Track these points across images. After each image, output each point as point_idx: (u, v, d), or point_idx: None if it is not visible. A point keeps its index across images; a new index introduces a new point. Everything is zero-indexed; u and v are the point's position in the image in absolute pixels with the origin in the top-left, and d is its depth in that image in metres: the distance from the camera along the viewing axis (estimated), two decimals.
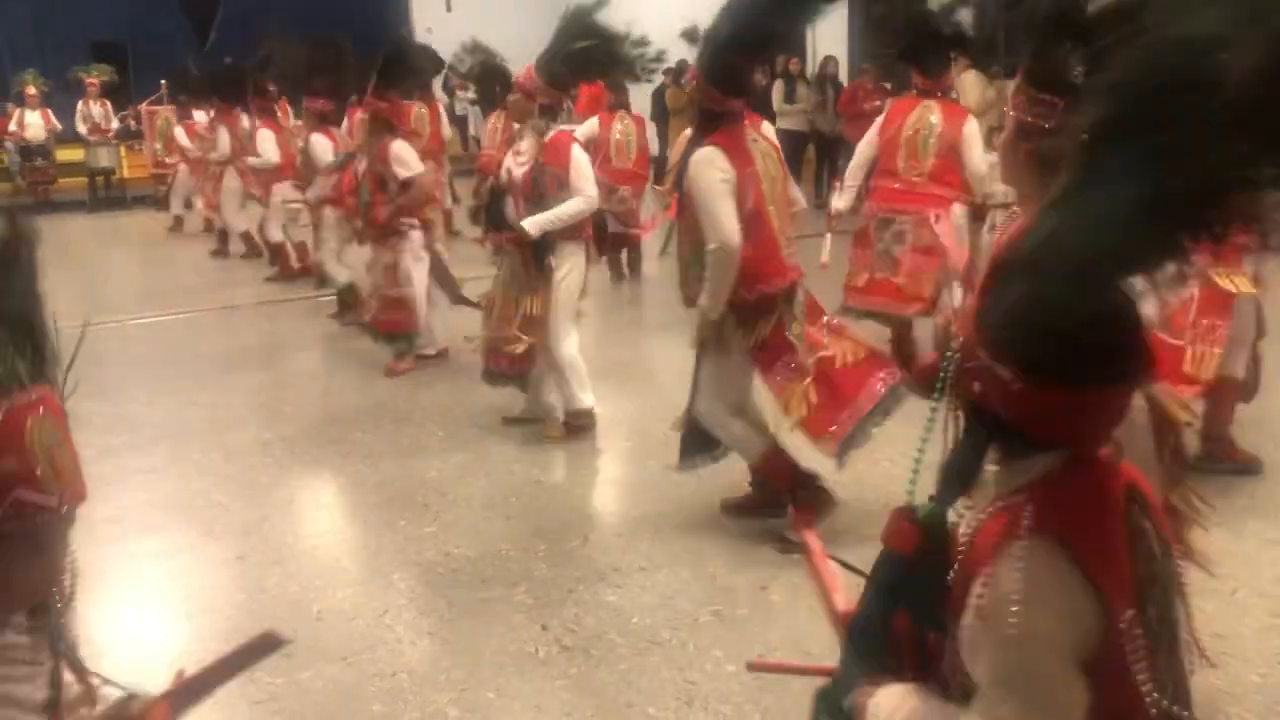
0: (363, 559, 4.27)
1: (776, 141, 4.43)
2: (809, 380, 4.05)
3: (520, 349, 5.26)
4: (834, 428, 4.07)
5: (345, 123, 9.34)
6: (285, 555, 4.34)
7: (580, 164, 5.18)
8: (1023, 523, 1.40)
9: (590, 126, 8.89)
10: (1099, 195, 1.28)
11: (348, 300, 8.11)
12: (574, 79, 5.44)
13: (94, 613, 3.97)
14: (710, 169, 3.90)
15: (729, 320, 4.02)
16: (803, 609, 3.73)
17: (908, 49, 6.15)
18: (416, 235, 6.68)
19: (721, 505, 4.45)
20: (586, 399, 5.46)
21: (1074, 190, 1.32)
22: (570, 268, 5.29)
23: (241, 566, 4.24)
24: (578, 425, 5.48)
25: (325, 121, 8.21)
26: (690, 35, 4.53)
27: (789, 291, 4.09)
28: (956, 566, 1.49)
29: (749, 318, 4.02)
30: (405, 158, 6.52)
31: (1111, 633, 1.39)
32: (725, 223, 3.88)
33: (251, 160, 9.87)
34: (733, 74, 3.98)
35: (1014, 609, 1.37)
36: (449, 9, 20.94)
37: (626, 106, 9.27)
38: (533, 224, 5.10)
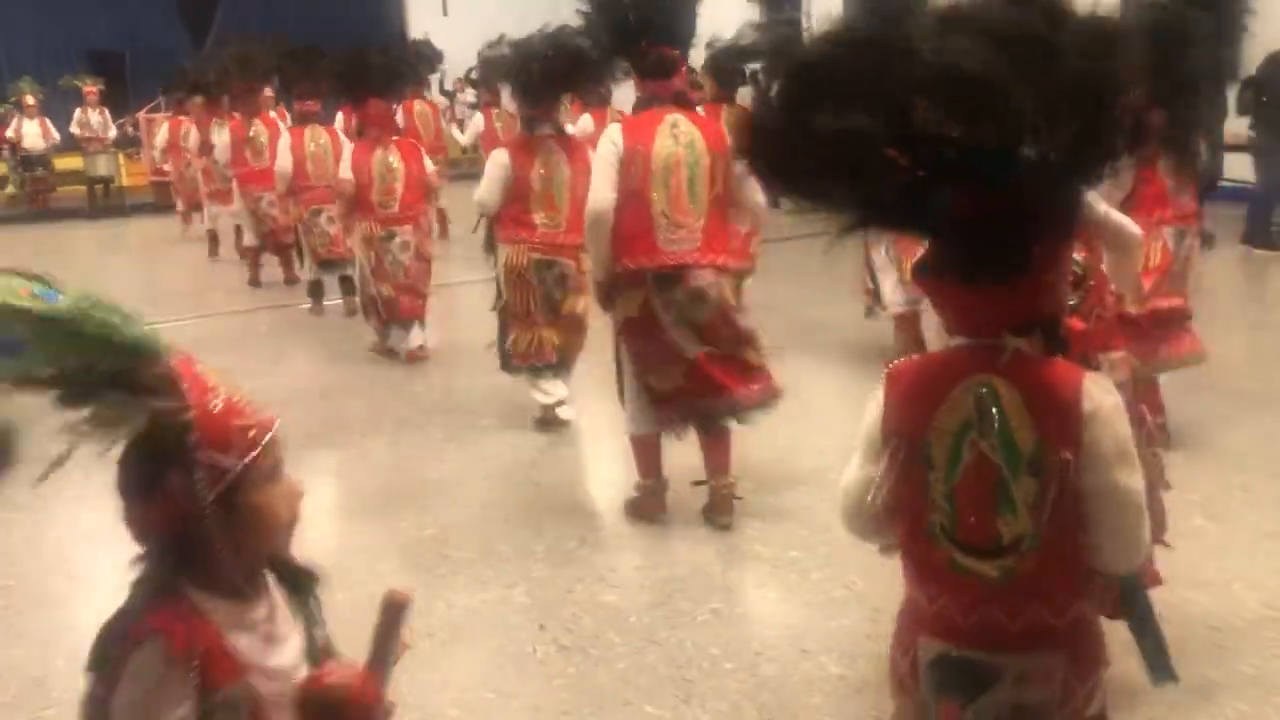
0: (362, 561, 4.28)
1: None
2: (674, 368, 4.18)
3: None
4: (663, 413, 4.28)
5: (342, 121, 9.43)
6: None
7: (488, 166, 5.57)
8: None
9: (584, 124, 8.98)
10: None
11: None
12: (547, 93, 5.57)
13: (94, 619, 3.99)
14: (605, 141, 4.22)
15: (617, 289, 4.24)
16: (800, 606, 3.75)
17: None
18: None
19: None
20: (546, 397, 5.65)
21: None
22: None
23: None
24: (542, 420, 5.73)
25: (311, 121, 8.30)
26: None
27: (663, 275, 4.13)
28: None
29: (619, 290, 4.22)
30: (345, 161, 7.05)
31: None
32: (599, 188, 4.16)
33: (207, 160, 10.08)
34: (645, 58, 4.28)
35: None
36: (445, 12, 20.99)
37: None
38: None
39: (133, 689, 1.45)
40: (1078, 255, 2.71)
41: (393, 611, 1.72)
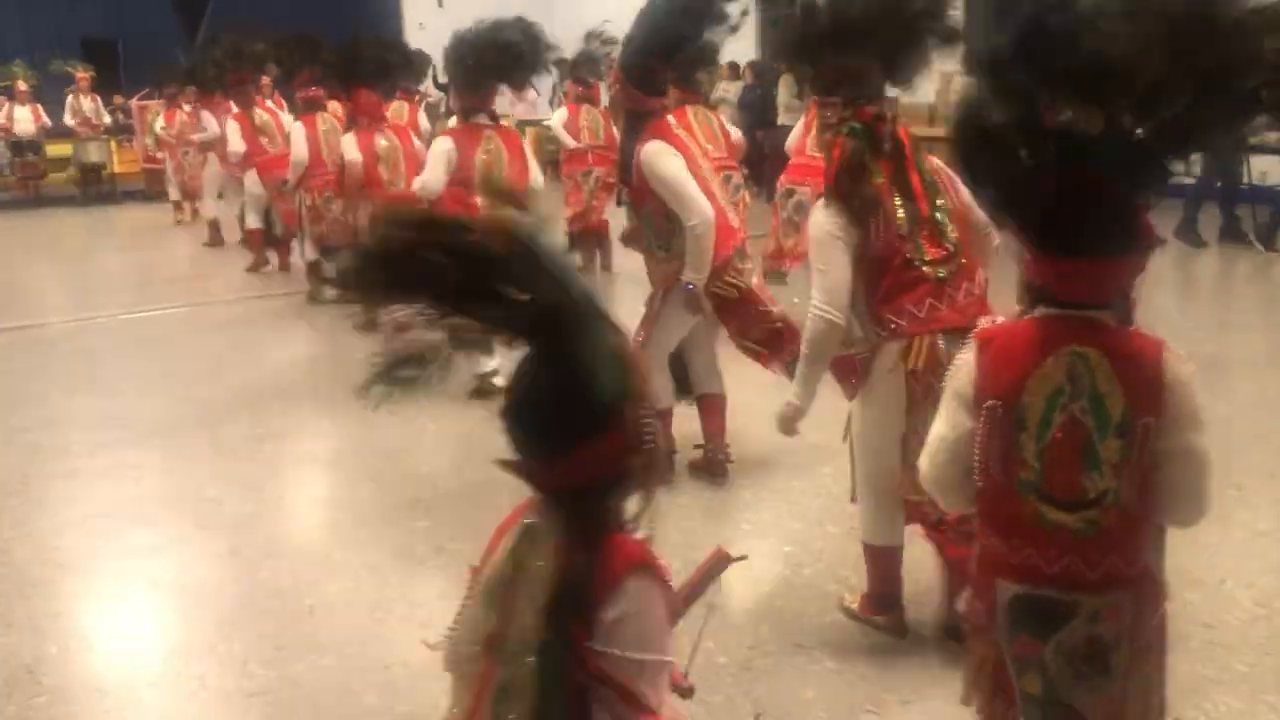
0: (355, 552, 4.28)
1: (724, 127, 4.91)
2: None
3: None
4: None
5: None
6: (277, 549, 4.34)
7: (432, 153, 5.85)
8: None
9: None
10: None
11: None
12: (483, 83, 5.92)
13: (85, 606, 3.98)
14: (667, 158, 4.29)
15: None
16: (795, 601, 3.75)
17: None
18: None
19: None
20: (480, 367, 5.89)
21: None
22: None
23: (234, 560, 4.24)
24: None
25: (312, 109, 8.30)
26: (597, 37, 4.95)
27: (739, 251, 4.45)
28: None
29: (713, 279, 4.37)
30: (345, 147, 7.25)
31: None
32: (699, 199, 4.26)
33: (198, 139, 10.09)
34: (650, 76, 4.40)
35: None
36: (440, 4, 20.91)
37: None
38: None
39: (640, 622, 1.52)
40: None
41: (718, 562, 1.86)
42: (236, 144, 9.62)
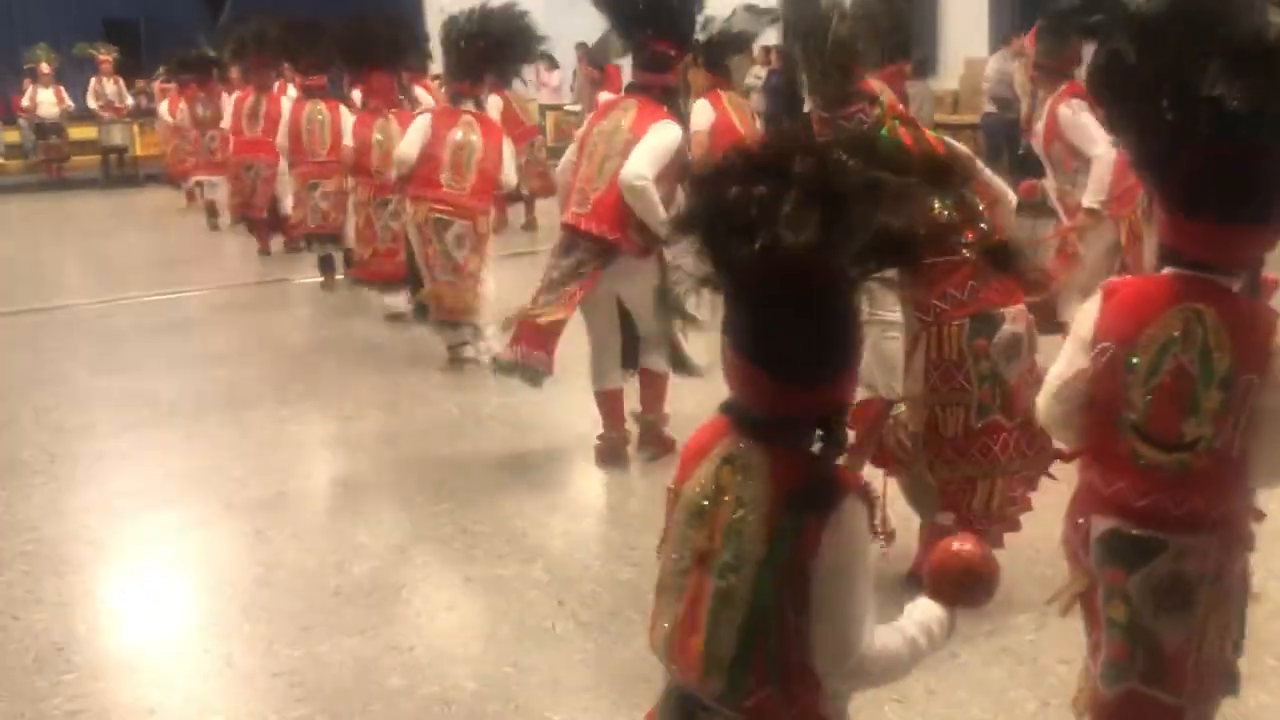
0: (379, 534, 4.29)
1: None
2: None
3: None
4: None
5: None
6: (302, 530, 4.36)
7: (410, 127, 6.04)
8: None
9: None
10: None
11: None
12: (471, 70, 6.08)
13: (111, 586, 4.01)
14: (674, 131, 4.50)
15: None
16: None
17: None
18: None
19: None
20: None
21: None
22: None
23: (259, 540, 4.26)
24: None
25: (317, 96, 8.31)
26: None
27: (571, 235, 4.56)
28: None
29: None
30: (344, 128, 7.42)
31: None
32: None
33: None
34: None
35: None
36: None
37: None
38: None
39: (848, 532, 1.61)
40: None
41: None
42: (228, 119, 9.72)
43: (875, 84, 6.04)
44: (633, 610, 3.60)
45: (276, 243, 10.28)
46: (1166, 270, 2.12)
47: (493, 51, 6.01)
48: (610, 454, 4.90)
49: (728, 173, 1.58)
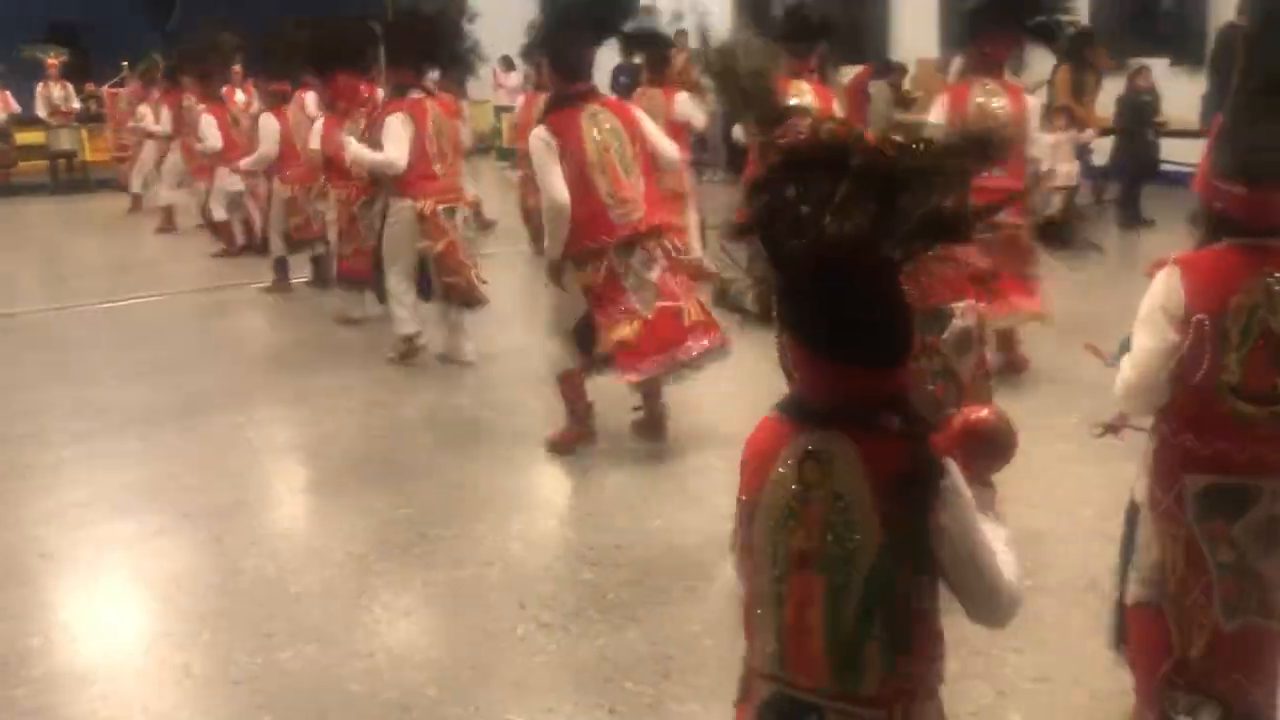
0: (338, 541, 4.28)
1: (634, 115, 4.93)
2: (638, 322, 4.65)
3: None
4: (642, 365, 4.69)
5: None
6: (261, 537, 4.34)
7: (387, 130, 6.04)
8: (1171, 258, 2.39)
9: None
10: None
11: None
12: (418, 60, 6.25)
13: (66, 598, 3.97)
14: (537, 142, 4.65)
15: (568, 264, 4.69)
16: None
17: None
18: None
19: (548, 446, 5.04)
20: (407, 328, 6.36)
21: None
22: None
23: (217, 549, 4.24)
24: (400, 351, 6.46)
25: (280, 101, 8.27)
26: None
27: (622, 245, 4.64)
28: None
29: (581, 264, 4.66)
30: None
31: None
32: (554, 185, 4.58)
33: (197, 147, 9.97)
34: (570, 60, 4.81)
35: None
36: None
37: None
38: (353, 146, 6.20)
39: (955, 493, 1.65)
40: None
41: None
42: (213, 140, 9.57)
43: (792, 87, 6.22)
44: (594, 610, 3.63)
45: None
46: (1232, 241, 2.34)
47: (427, 44, 6.18)
48: (651, 428, 5.03)
49: (784, 171, 1.61)
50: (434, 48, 6.29)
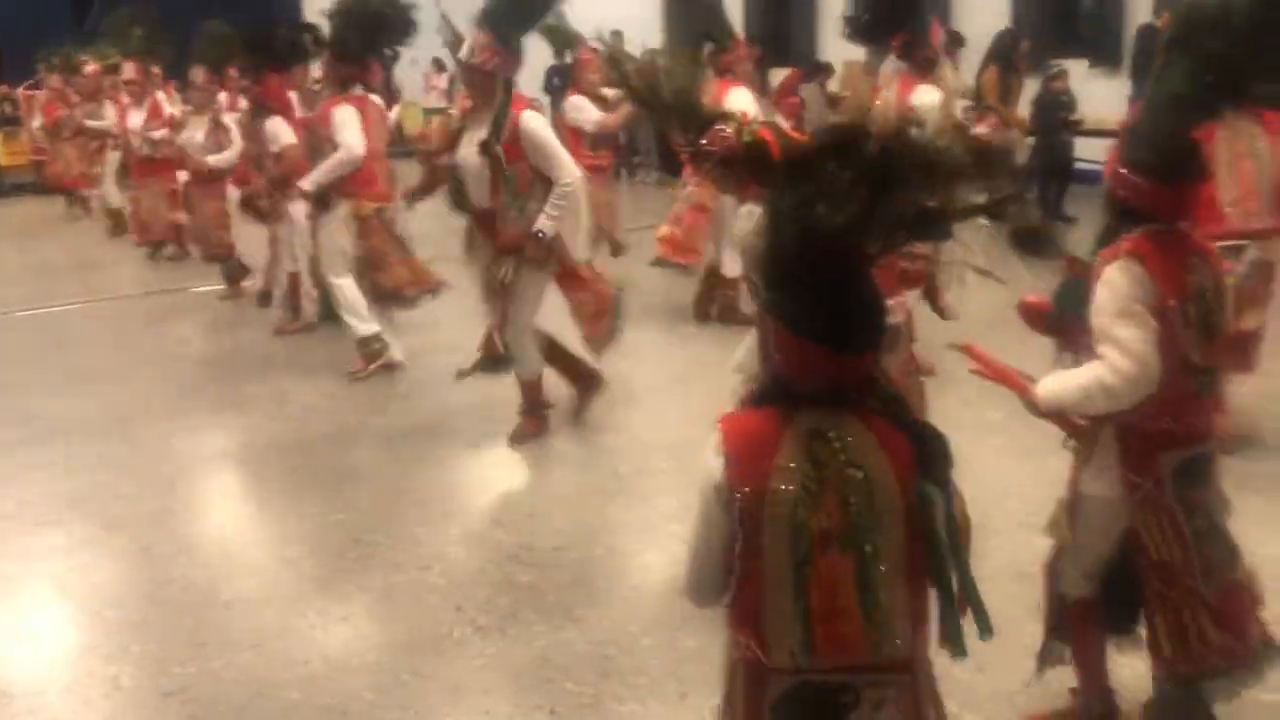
0: (271, 547, 4.22)
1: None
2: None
3: None
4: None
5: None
6: (192, 545, 4.27)
7: (339, 121, 5.94)
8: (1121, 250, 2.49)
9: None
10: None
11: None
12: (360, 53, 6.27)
13: None
14: (539, 119, 4.87)
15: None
16: None
17: None
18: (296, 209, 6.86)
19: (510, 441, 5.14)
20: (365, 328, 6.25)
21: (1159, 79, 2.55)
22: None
23: (147, 558, 4.15)
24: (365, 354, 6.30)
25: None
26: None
27: None
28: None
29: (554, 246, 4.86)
30: (276, 132, 6.79)
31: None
32: (570, 162, 4.82)
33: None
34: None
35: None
36: None
37: None
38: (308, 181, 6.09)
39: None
40: None
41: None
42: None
43: (732, 93, 6.31)
44: (533, 611, 3.62)
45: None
46: (1147, 229, 2.48)
47: (373, 34, 6.16)
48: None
49: (801, 160, 1.66)
50: (384, 36, 6.23)
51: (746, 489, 1.69)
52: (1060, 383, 2.53)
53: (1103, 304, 2.46)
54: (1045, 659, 2.85)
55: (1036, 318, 2.79)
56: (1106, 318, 2.45)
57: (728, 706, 1.87)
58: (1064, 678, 2.87)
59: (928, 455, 1.70)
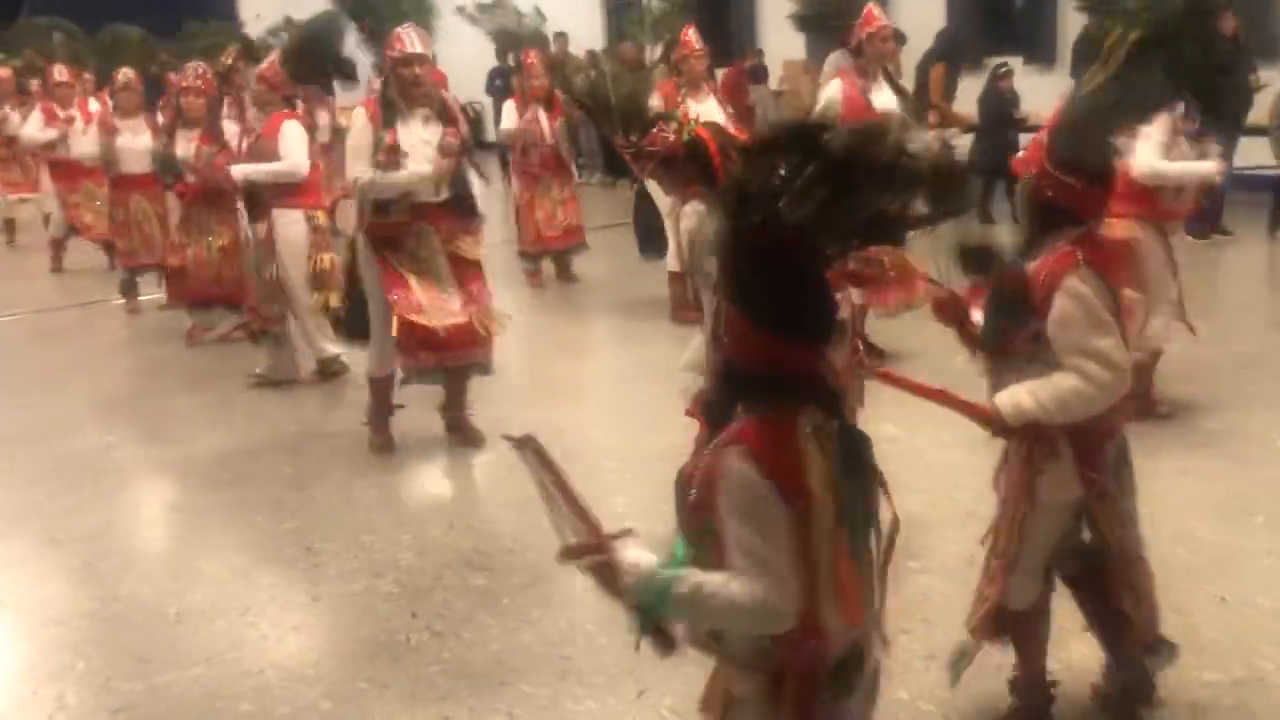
0: (220, 558, 4.15)
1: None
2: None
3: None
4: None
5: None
6: (136, 559, 4.19)
7: (288, 136, 5.92)
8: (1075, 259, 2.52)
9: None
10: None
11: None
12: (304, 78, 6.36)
13: None
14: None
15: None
16: None
17: None
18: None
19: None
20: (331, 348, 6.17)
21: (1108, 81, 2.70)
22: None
23: (90, 574, 4.07)
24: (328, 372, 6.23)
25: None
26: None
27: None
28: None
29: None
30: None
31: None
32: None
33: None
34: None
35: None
36: None
37: None
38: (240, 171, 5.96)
39: None
40: None
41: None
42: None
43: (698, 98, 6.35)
44: (487, 615, 3.60)
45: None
46: (1075, 232, 2.54)
47: (315, 60, 6.19)
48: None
49: (764, 146, 1.68)
50: (325, 61, 6.24)
51: (801, 504, 1.70)
52: (1029, 397, 2.53)
53: (1071, 317, 2.48)
54: (961, 664, 2.84)
55: (952, 312, 2.78)
56: (1079, 331, 2.48)
57: None
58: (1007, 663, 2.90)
59: (846, 454, 1.76)
